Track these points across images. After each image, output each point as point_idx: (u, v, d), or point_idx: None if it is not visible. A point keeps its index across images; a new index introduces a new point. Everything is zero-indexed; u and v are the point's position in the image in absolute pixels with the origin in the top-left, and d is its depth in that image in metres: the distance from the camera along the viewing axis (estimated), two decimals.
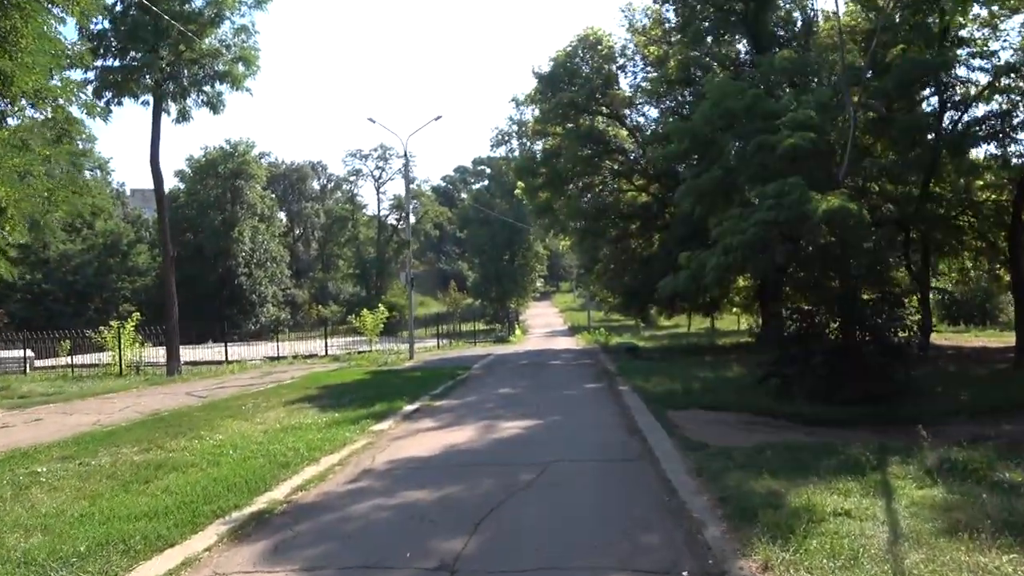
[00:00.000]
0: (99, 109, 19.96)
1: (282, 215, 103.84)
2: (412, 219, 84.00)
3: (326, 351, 35.25)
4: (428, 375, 21.73)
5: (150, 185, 75.00)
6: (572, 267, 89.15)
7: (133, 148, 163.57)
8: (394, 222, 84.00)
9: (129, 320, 32.22)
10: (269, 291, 73.15)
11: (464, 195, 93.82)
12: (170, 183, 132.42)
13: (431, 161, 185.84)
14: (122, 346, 31.80)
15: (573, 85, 31.21)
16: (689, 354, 28.44)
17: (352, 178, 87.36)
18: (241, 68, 31.28)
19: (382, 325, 34.02)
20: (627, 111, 32.59)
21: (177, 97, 31.16)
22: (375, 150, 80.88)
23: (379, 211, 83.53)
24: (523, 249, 74.50)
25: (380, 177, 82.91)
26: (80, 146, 68.81)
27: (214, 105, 31.71)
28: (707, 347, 33.52)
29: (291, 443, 10.62)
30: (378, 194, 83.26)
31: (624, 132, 34.10)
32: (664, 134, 23.46)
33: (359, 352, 33.74)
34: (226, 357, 33.13)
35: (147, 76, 29.93)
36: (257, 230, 72.12)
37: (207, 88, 31.45)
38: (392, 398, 15.55)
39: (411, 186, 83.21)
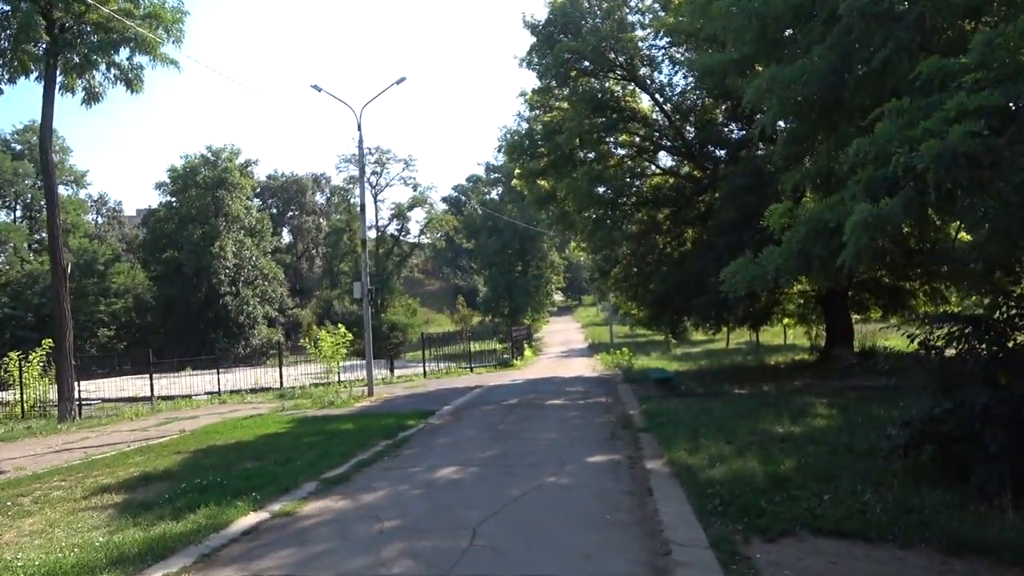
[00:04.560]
0: None
1: (285, 231, 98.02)
2: (371, 209, 77.15)
3: (280, 383, 28.47)
4: (363, 428, 15.05)
5: (155, 204, 68.79)
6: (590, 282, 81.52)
7: (139, 168, 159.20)
8: (395, 232, 76.89)
9: (36, 351, 25.88)
10: (260, 311, 66.62)
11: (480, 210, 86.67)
12: (152, 198, 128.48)
13: (443, 172, 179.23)
14: (23, 383, 25.66)
15: (577, 37, 24.18)
16: (739, 380, 21.25)
17: (349, 186, 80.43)
18: (162, 32, 24.73)
19: (344, 351, 27.02)
20: (646, 69, 25.44)
21: (82, 70, 24.66)
22: (371, 153, 73.61)
23: (377, 221, 76.46)
24: (537, 259, 67.34)
25: (377, 184, 75.75)
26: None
27: (130, 81, 25.34)
28: (758, 369, 26.27)
29: None
30: (376, 202, 76.17)
31: (644, 102, 27.01)
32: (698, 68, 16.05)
33: (315, 385, 26.86)
34: (152, 393, 26.57)
35: (41, 45, 23.57)
36: (243, 245, 65.57)
37: (119, 59, 24.98)
38: (248, 489, 9.17)
39: (415, 193, 77.41)
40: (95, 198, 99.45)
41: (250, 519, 8.02)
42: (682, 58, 22.76)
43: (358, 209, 74.73)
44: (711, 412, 13.60)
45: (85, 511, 8.88)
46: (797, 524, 6.61)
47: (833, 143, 9.27)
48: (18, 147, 66.54)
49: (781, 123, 15.39)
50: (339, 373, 28.13)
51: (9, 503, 9.68)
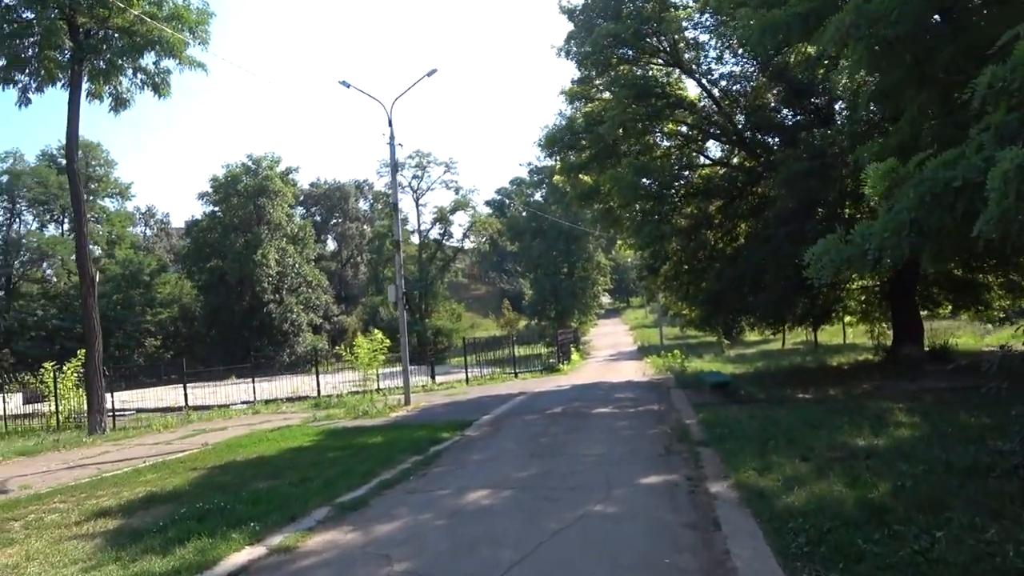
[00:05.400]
0: None
1: (330, 238, 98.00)
2: (412, 214, 75.56)
3: (317, 392, 27.55)
4: (392, 441, 13.94)
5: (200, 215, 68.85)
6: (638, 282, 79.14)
7: (186, 181, 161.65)
8: (437, 236, 75.78)
9: (71, 361, 25.66)
10: (304, 319, 66.28)
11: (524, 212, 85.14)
12: (196, 208, 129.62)
13: (484, 175, 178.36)
14: (58, 394, 25.42)
15: (617, 20, 22.79)
16: (801, 383, 19.64)
17: (390, 190, 79.74)
18: (187, 35, 24.07)
19: (382, 357, 26.04)
20: (691, 54, 23.98)
21: (109, 77, 24.11)
22: (411, 157, 72.67)
23: (419, 225, 75.34)
24: (583, 260, 65.66)
25: (418, 188, 74.72)
26: (98, 171, 64.16)
27: (157, 86, 24.83)
28: (820, 371, 24.58)
29: None
30: (417, 207, 75.11)
31: (690, 89, 25.53)
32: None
33: (352, 393, 25.92)
34: (186, 403, 25.88)
35: (65, 52, 23.05)
36: (286, 252, 65.31)
37: (145, 64, 24.39)
38: (251, 516, 8.20)
39: (457, 196, 76.25)
40: (143, 210, 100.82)
41: (243, 556, 6.92)
42: (731, 28, 21.25)
43: (400, 213, 73.79)
44: (777, 421, 12.11)
45: (72, 540, 7.96)
46: (909, 574, 5.19)
47: (923, 101, 7.75)
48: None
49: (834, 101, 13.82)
50: (378, 380, 27.17)
51: None
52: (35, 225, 66.04)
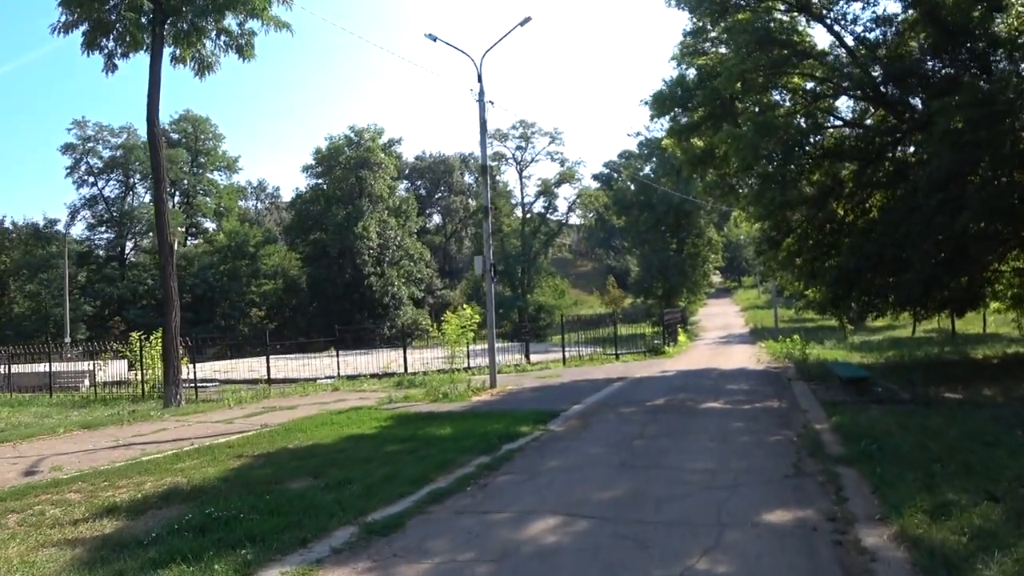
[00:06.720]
0: None
1: (435, 213, 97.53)
2: (516, 187, 73.33)
3: (404, 368, 26.24)
4: (462, 434, 12.02)
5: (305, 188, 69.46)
6: (754, 259, 74.43)
7: (296, 155, 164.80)
8: (541, 210, 73.72)
9: (156, 332, 25.33)
10: (405, 292, 65.64)
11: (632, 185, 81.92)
12: (299, 180, 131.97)
13: (590, 146, 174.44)
14: (144, 364, 25.12)
15: None
16: (947, 380, 16.81)
17: (494, 163, 78.05)
18: None
19: (471, 334, 24.37)
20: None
21: (191, 39, 23.18)
22: (514, 128, 70.76)
23: (523, 198, 73.43)
24: (693, 236, 62.24)
25: (522, 159, 72.80)
26: (207, 145, 65.10)
27: (241, 48, 23.95)
28: (964, 365, 21.53)
29: None
30: (521, 179, 73.14)
31: (819, 38, 22.54)
32: None
33: (440, 371, 24.42)
34: (268, 376, 25.22)
35: (147, 14, 22.23)
36: (387, 225, 64.77)
37: (228, 24, 23.36)
38: (258, 534, 6.58)
39: (562, 168, 73.85)
40: (254, 184, 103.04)
41: None
42: None
43: (505, 187, 71.70)
44: (937, 433, 9.54)
45: (53, 548, 6.60)
46: None
47: None
48: (175, 136, 68.45)
49: None
50: (468, 358, 25.65)
51: None
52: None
